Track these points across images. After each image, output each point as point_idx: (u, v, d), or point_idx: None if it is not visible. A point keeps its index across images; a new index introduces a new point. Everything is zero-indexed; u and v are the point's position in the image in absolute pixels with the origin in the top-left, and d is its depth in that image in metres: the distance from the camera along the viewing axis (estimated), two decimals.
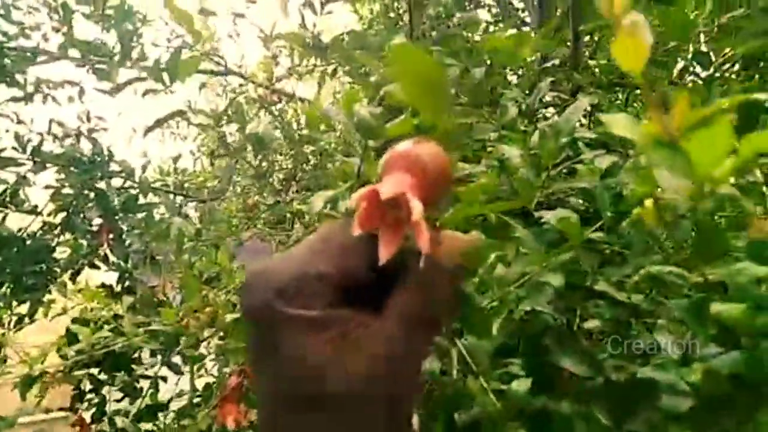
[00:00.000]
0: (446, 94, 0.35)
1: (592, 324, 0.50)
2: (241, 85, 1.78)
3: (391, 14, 1.71)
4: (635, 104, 0.84)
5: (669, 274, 0.33)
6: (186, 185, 1.47)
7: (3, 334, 1.08)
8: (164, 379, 1.44)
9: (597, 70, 0.88)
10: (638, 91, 0.83)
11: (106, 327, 0.85)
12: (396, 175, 0.26)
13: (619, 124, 0.23)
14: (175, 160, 1.43)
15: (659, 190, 0.30)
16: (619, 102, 0.88)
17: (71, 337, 1.05)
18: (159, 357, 1.36)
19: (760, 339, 0.28)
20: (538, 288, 0.39)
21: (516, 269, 0.38)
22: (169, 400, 1.42)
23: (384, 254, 0.25)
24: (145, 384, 1.40)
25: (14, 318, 1.09)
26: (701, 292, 0.32)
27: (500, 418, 0.36)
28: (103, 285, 1.15)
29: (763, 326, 0.28)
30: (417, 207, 0.24)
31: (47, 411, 1.23)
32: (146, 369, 1.38)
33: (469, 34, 1.03)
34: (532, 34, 0.80)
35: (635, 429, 0.38)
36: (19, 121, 1.34)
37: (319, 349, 0.26)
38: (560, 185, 0.53)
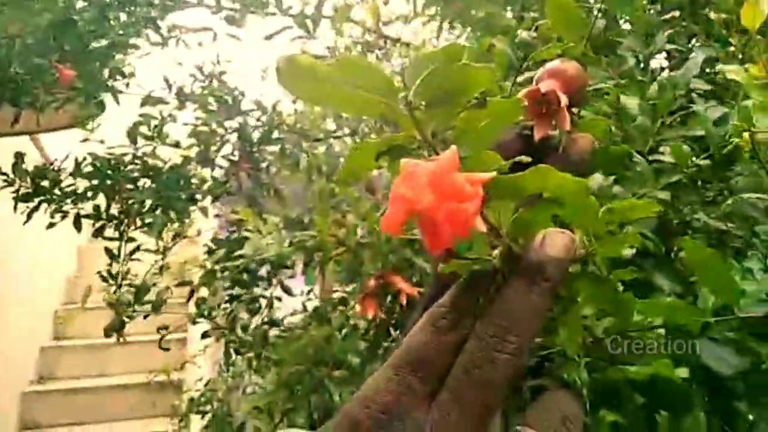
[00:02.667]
0: (584, 28, 0.46)
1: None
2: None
3: None
4: (750, 54, 0.85)
5: (754, 199, 0.41)
6: (301, 125, 1.60)
7: (164, 249, 1.28)
8: (279, 299, 1.63)
9: (715, 19, 0.89)
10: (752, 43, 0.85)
11: (254, 240, 1.00)
12: (548, 81, 0.37)
13: (731, 70, 0.31)
14: (294, 101, 1.56)
15: (755, 126, 0.37)
16: (734, 51, 0.90)
17: (211, 251, 1.23)
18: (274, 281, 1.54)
19: None
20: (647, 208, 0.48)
21: (629, 188, 0.46)
22: (284, 318, 1.61)
23: (538, 134, 0.36)
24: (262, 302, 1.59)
25: (171, 234, 1.30)
26: None
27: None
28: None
29: None
30: (563, 99, 0.34)
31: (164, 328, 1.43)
32: (264, 289, 1.57)
33: None
34: None
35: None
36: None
37: None
38: (673, 132, 0.60)
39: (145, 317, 1.11)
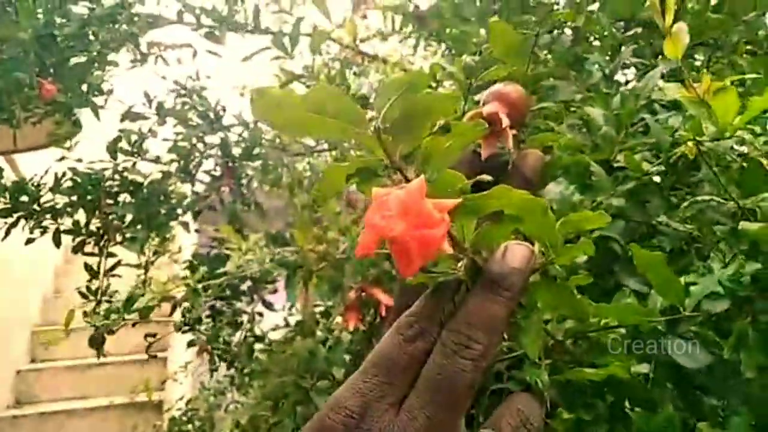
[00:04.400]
0: (526, 56, 0.50)
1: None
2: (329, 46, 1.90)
3: None
4: (716, 64, 0.89)
5: (714, 202, 0.43)
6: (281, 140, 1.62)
7: (146, 264, 1.29)
8: (261, 314, 1.64)
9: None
10: (718, 54, 0.89)
11: (236, 257, 1.01)
12: (492, 103, 0.40)
13: (671, 89, 0.34)
14: None
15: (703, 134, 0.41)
16: (699, 64, 0.94)
17: (194, 267, 1.24)
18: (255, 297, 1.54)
19: None
20: (612, 216, 0.50)
21: (589, 195, 0.49)
22: (267, 332, 1.61)
23: (485, 153, 0.39)
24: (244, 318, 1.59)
25: (152, 250, 1.30)
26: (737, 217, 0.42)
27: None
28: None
29: None
30: (504, 120, 0.37)
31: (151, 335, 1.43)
32: (247, 304, 1.57)
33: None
34: None
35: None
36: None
37: None
38: (636, 141, 0.63)
39: (134, 325, 1.11)
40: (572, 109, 0.73)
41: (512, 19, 1.06)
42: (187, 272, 1.21)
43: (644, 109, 0.65)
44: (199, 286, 1.07)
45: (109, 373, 3.40)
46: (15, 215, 1.20)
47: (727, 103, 0.37)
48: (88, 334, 1.23)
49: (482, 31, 0.97)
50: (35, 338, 3.58)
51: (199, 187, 1.38)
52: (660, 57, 0.87)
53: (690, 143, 0.42)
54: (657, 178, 0.52)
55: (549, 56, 0.82)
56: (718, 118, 0.38)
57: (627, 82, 0.84)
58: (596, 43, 0.93)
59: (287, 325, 1.61)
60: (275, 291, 1.41)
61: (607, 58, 0.83)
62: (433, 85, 0.76)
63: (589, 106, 0.67)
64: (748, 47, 0.82)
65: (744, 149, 0.45)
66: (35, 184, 1.25)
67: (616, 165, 0.58)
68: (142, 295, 1.01)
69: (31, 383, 3.42)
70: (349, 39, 1.95)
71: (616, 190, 0.51)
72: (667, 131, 0.54)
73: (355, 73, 1.80)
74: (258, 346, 1.33)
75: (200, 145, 1.40)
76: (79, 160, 1.49)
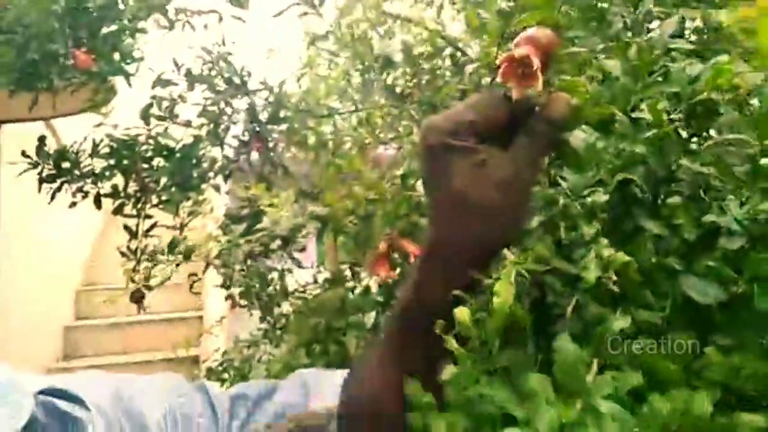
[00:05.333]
0: (555, 4, 0.52)
1: (673, 200, 0.62)
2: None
3: None
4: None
5: (731, 146, 0.46)
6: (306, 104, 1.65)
7: (181, 225, 1.34)
8: (290, 271, 1.69)
9: None
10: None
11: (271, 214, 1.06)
12: (524, 47, 0.42)
13: (721, 13, 0.36)
14: (299, 79, 1.61)
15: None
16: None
17: (229, 223, 1.29)
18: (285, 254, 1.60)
19: None
20: (633, 161, 0.52)
21: (613, 143, 0.52)
22: (295, 290, 1.68)
23: (515, 95, 0.41)
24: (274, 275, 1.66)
25: (186, 212, 1.36)
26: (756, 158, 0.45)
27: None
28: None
29: None
30: (536, 62, 0.40)
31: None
32: (277, 262, 1.63)
33: None
34: None
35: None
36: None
37: (467, 167, 0.42)
38: (654, 90, 0.64)
39: (178, 265, 1.18)
40: (594, 59, 0.74)
41: None
42: (221, 231, 1.27)
43: (665, 58, 0.66)
44: (241, 240, 1.12)
45: (149, 330, 3.56)
46: (59, 180, 1.26)
47: None
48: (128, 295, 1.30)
49: None
50: (80, 297, 3.77)
51: (229, 151, 1.42)
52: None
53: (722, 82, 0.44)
54: (678, 126, 0.54)
55: (572, 9, 0.83)
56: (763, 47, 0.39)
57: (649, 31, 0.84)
58: None
59: (316, 282, 1.67)
60: (303, 249, 1.46)
61: (630, 8, 0.83)
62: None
63: (608, 57, 0.68)
64: None
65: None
66: (75, 150, 1.30)
67: (636, 115, 0.59)
68: (184, 238, 1.07)
69: (77, 339, 3.61)
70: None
71: (637, 138, 0.53)
72: (687, 79, 0.55)
73: (380, 35, 1.80)
74: (289, 300, 1.38)
75: (228, 110, 1.44)
76: (115, 126, 1.55)
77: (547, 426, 0.35)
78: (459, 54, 1.47)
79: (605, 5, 0.88)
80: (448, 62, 1.53)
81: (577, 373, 0.39)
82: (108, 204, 1.36)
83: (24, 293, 3.12)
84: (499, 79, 0.42)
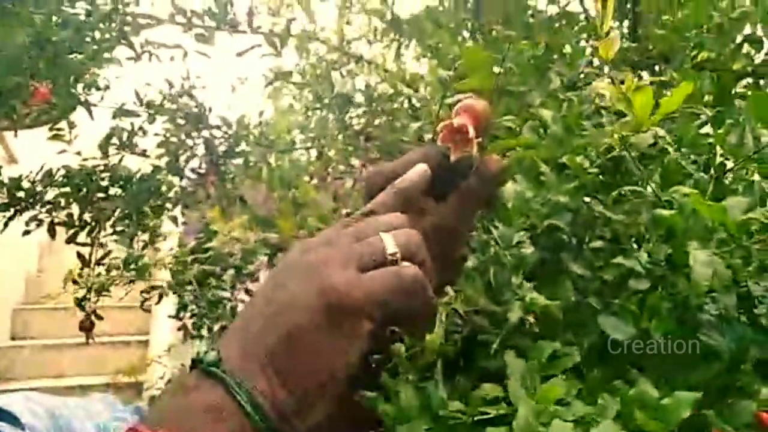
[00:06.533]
0: (492, 76, 0.57)
1: (596, 244, 0.67)
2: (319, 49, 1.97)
3: None
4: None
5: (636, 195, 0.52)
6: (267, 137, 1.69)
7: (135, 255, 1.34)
8: (243, 301, 1.70)
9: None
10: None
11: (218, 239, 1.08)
12: (462, 116, 0.47)
13: (600, 85, 0.42)
14: (260, 114, 1.65)
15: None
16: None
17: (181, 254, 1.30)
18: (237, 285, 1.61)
19: None
20: (559, 209, 0.58)
21: (541, 192, 0.57)
22: None
23: (453, 156, 0.46)
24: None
25: (141, 244, 1.36)
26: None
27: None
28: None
29: None
30: (471, 131, 0.45)
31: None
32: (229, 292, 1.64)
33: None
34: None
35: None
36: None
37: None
38: (580, 141, 0.71)
39: (131, 282, 1.18)
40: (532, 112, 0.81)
41: (488, 27, 1.14)
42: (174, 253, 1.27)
43: (594, 114, 0.73)
44: (189, 258, 1.14)
45: (88, 353, 3.43)
46: (12, 209, 1.25)
47: (644, 100, 0.45)
48: (71, 314, 1.28)
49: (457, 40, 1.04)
50: (17, 315, 3.63)
51: (186, 182, 1.44)
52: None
53: (615, 136, 0.50)
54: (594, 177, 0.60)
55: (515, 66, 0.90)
56: (637, 114, 0.46)
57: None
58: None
59: None
60: (257, 279, 1.47)
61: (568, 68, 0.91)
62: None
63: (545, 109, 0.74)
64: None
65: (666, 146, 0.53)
66: (31, 180, 1.30)
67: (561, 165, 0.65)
68: (140, 257, 1.08)
69: (12, 360, 3.46)
70: (336, 41, 2.02)
71: (561, 188, 0.58)
72: (603, 132, 0.61)
73: (341, 75, 1.87)
74: None
75: (189, 142, 1.46)
76: (79, 153, 1.55)
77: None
78: (416, 96, 1.54)
79: (548, 64, 0.95)
80: (406, 104, 1.60)
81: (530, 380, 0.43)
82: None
83: None
84: (438, 143, 0.47)
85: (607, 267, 0.58)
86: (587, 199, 0.66)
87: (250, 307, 0.39)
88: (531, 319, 0.51)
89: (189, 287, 1.20)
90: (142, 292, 1.30)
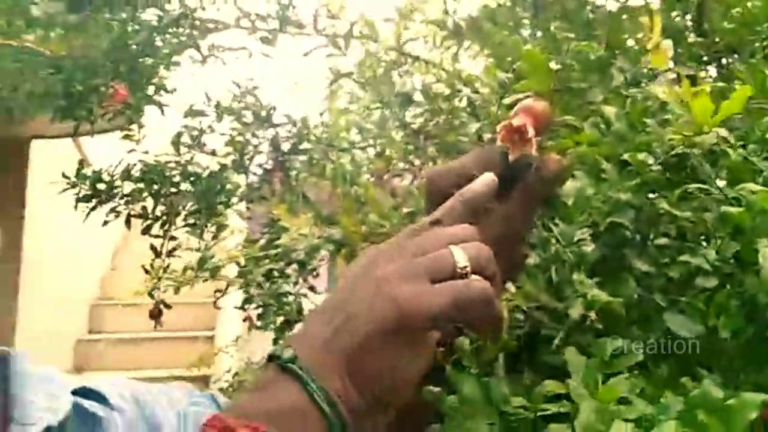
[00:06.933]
0: (550, 78, 0.59)
1: (661, 241, 0.67)
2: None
3: None
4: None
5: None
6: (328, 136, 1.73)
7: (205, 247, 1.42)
8: (305, 295, 1.75)
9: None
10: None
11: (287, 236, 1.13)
12: (521, 116, 0.48)
13: (657, 90, 0.43)
14: (321, 114, 1.70)
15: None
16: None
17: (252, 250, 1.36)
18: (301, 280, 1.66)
19: None
20: (622, 206, 0.58)
21: (602, 189, 0.57)
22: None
23: (512, 156, 0.47)
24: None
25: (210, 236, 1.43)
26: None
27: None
28: None
29: None
30: (531, 131, 0.46)
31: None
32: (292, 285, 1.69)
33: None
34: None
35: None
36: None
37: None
38: (643, 138, 0.70)
39: (205, 281, 1.25)
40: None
41: (547, 25, 1.13)
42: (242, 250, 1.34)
43: (659, 111, 0.72)
44: (260, 253, 1.19)
45: (159, 347, 3.62)
46: (94, 201, 1.34)
47: (702, 105, 0.46)
48: (142, 310, 1.37)
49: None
50: (93, 311, 3.85)
51: (252, 179, 1.50)
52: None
53: (677, 137, 0.50)
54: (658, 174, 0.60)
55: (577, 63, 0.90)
56: (696, 118, 0.46)
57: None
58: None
59: None
60: (317, 275, 1.52)
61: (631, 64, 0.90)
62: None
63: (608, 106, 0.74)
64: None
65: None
66: (110, 174, 1.39)
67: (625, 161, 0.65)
68: (212, 257, 1.14)
69: (88, 353, 3.69)
70: (394, 42, 2.05)
71: (623, 185, 0.58)
72: (667, 130, 0.61)
73: (399, 75, 1.89)
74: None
75: (254, 140, 1.53)
76: (146, 152, 1.64)
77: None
78: (475, 96, 1.55)
79: (610, 60, 0.94)
80: (465, 102, 1.61)
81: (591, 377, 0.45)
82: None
83: (39, 305, 3.21)
84: (498, 143, 0.48)
85: (673, 264, 0.58)
86: (651, 196, 0.66)
87: (320, 314, 0.41)
88: (592, 315, 0.52)
89: (256, 281, 1.25)
90: (216, 291, 1.37)
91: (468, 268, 0.41)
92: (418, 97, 1.48)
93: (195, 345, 3.63)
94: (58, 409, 0.52)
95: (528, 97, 0.53)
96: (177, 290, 1.26)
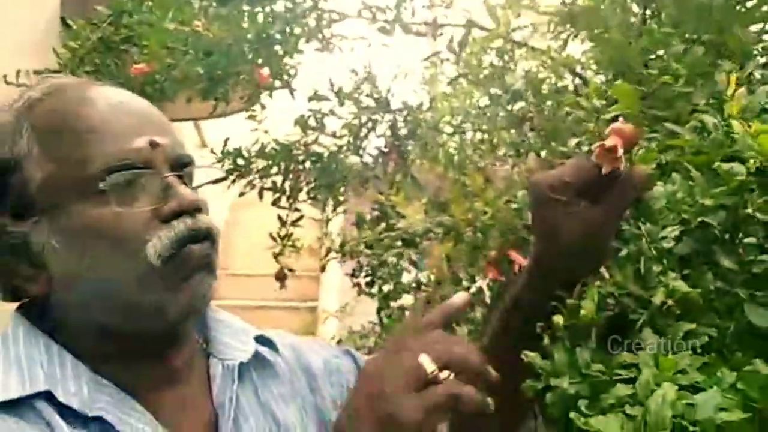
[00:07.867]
0: (638, 105, 0.68)
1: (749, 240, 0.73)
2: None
3: None
4: None
5: None
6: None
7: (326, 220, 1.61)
8: (407, 270, 1.89)
9: None
10: None
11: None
12: (612, 137, 0.58)
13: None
14: (432, 100, 1.81)
15: None
16: None
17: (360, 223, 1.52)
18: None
19: None
20: (710, 210, 0.65)
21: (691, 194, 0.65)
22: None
23: (605, 170, 0.57)
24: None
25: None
26: None
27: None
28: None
29: None
30: (621, 151, 0.56)
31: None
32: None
33: None
34: None
35: None
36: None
37: (564, 216, 0.58)
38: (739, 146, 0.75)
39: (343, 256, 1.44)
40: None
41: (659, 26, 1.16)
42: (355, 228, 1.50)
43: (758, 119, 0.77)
44: (381, 236, 1.35)
45: (267, 315, 3.94)
46: (234, 174, 1.56)
47: None
48: (253, 280, 1.57)
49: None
50: None
51: (368, 160, 1.65)
52: None
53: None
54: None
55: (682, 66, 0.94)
56: None
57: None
58: None
59: (429, 281, 1.85)
60: (419, 252, 1.65)
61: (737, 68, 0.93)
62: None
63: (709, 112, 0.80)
64: None
65: None
66: (247, 150, 1.60)
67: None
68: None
69: None
70: (502, 29, 2.09)
71: (710, 192, 0.65)
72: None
73: (504, 61, 1.94)
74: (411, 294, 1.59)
75: (370, 124, 1.67)
76: (266, 132, 1.84)
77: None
78: (582, 83, 1.59)
79: (718, 61, 0.97)
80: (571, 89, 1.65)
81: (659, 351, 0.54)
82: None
83: None
84: (593, 159, 0.59)
85: (758, 262, 0.64)
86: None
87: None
88: (670, 302, 0.60)
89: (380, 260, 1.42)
90: (323, 260, 1.55)
91: (435, 371, 0.53)
92: (522, 84, 1.54)
93: (299, 314, 3.94)
94: (246, 351, 0.68)
95: (619, 120, 0.63)
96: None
